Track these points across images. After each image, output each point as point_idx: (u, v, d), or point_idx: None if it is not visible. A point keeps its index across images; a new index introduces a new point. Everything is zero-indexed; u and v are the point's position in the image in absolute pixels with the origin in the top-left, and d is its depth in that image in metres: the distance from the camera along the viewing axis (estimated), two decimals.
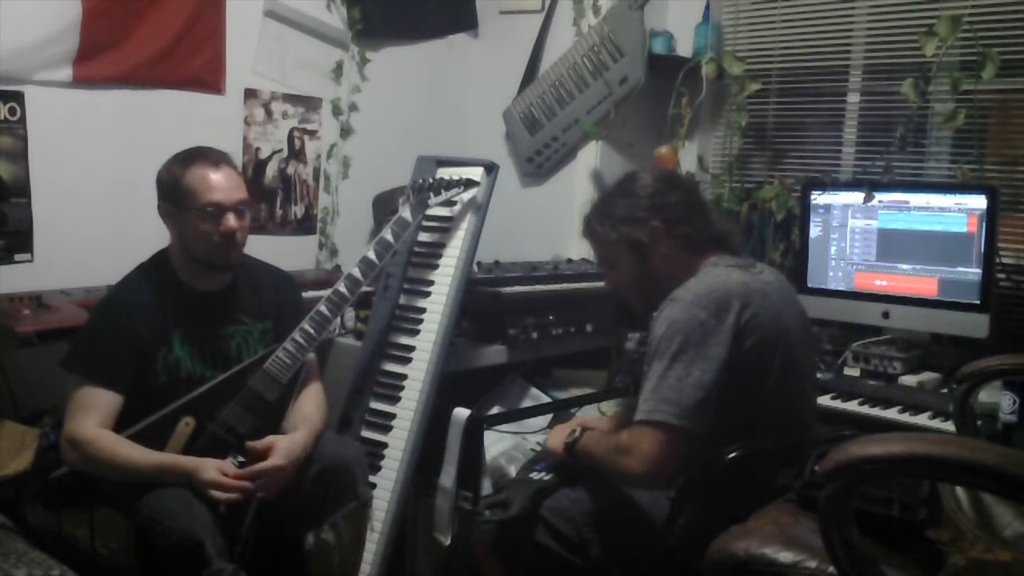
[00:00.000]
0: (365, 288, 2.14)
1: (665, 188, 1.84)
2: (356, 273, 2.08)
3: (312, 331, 2.00)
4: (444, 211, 2.32)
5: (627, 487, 1.80)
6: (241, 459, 1.91)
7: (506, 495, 1.87)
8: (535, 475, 2.00)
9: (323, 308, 2.02)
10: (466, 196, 2.29)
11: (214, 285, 2.03)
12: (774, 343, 1.68)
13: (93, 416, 1.86)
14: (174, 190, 1.94)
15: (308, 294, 2.35)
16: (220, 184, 1.94)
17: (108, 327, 1.92)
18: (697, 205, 1.87)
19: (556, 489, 1.87)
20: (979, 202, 2.32)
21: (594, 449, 1.77)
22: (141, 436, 1.87)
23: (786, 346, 1.71)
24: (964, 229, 2.35)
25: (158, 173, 1.99)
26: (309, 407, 2.04)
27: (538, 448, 2.67)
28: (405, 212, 2.16)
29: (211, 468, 1.81)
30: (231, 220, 1.94)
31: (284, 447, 1.89)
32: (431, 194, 2.19)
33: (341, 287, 2.06)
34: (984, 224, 2.31)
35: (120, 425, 1.91)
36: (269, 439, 1.89)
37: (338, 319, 2.30)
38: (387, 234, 2.13)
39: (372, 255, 2.10)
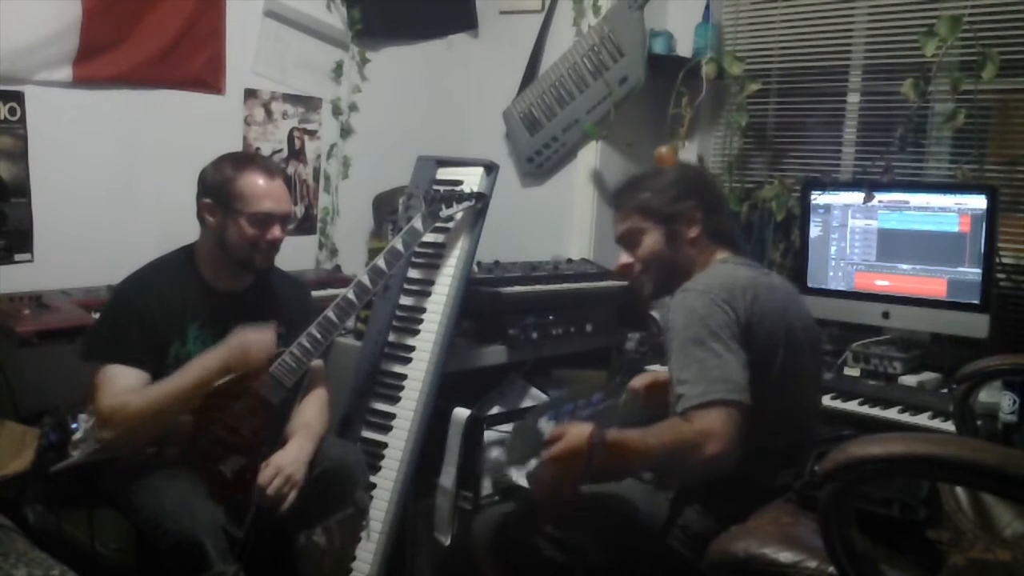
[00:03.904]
0: None
1: (702, 177, 1.94)
2: (365, 280, 2.08)
3: (319, 336, 2.00)
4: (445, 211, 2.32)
5: (691, 478, 1.71)
6: (242, 461, 1.91)
7: (509, 441, 1.74)
8: (543, 422, 1.82)
9: (331, 314, 2.03)
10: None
11: (234, 286, 2.04)
12: (778, 339, 1.68)
13: (116, 387, 1.85)
14: (223, 190, 1.96)
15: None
16: (273, 193, 1.97)
17: (127, 311, 1.93)
18: (724, 200, 1.93)
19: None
20: (977, 202, 2.33)
21: (637, 444, 1.54)
22: None
23: (789, 344, 1.71)
24: (956, 229, 2.36)
25: (203, 171, 2.01)
26: (310, 413, 2.04)
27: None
28: (417, 223, 2.16)
29: (253, 346, 1.86)
30: (277, 230, 1.98)
31: (286, 463, 1.90)
32: (443, 205, 2.19)
33: (350, 294, 2.06)
34: (978, 224, 2.32)
35: None
36: (273, 463, 1.89)
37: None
38: (397, 243, 2.13)
39: (382, 263, 2.10)
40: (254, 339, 1.89)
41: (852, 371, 2.44)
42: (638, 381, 2.03)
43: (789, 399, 1.72)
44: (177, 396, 1.84)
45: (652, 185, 1.86)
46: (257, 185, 1.95)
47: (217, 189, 1.97)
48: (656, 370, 2.10)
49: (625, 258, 1.89)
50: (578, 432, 1.55)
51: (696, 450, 1.50)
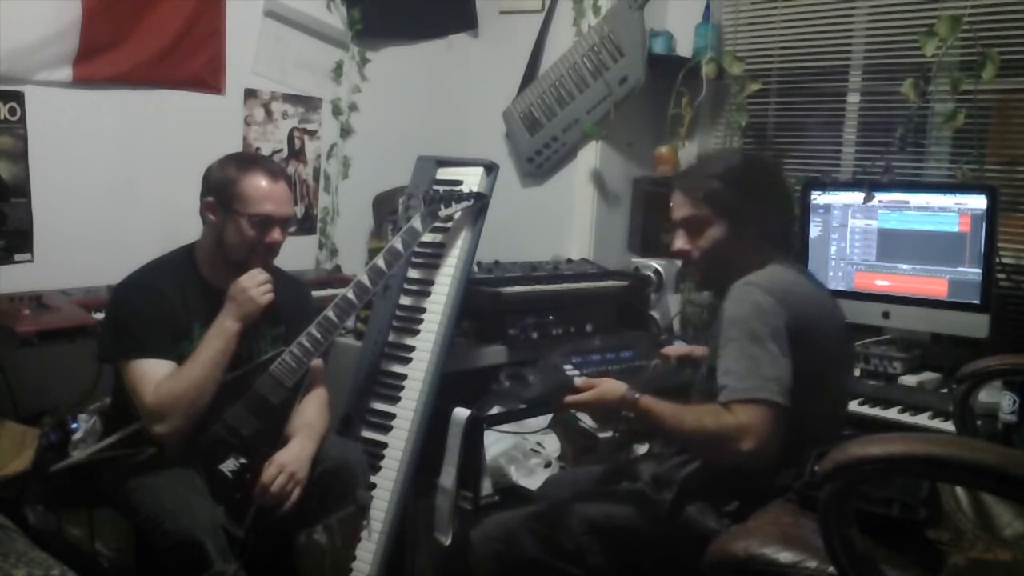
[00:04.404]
0: None
1: (775, 176, 1.86)
2: (365, 281, 2.08)
3: (319, 336, 2.00)
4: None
5: (729, 467, 1.64)
6: (243, 460, 1.91)
7: (532, 376, 1.75)
8: (568, 368, 1.83)
9: (331, 314, 2.02)
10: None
11: None
12: (817, 351, 1.66)
13: (154, 379, 1.85)
14: (225, 190, 1.96)
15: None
16: (275, 196, 1.97)
17: (134, 308, 1.92)
18: (791, 203, 1.86)
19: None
20: (977, 202, 2.33)
21: (669, 419, 1.61)
22: (138, 434, 1.88)
23: (827, 358, 1.70)
24: (956, 229, 2.36)
25: (208, 169, 2.01)
26: (311, 413, 2.04)
27: (539, 448, 2.68)
28: (416, 222, 2.16)
29: (244, 286, 1.91)
30: (277, 233, 1.98)
31: (289, 460, 1.90)
32: (442, 205, 2.20)
33: (350, 294, 2.06)
34: (978, 224, 2.32)
35: (119, 421, 1.92)
36: (276, 462, 1.90)
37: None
38: (397, 243, 2.13)
39: (381, 263, 2.10)
40: (247, 280, 1.92)
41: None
42: (673, 350, 2.02)
43: (817, 409, 1.69)
44: (213, 363, 1.87)
45: (724, 174, 1.78)
46: (259, 187, 1.95)
47: (220, 188, 1.97)
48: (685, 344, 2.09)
49: (682, 243, 1.83)
50: (612, 388, 1.66)
51: (733, 443, 1.51)
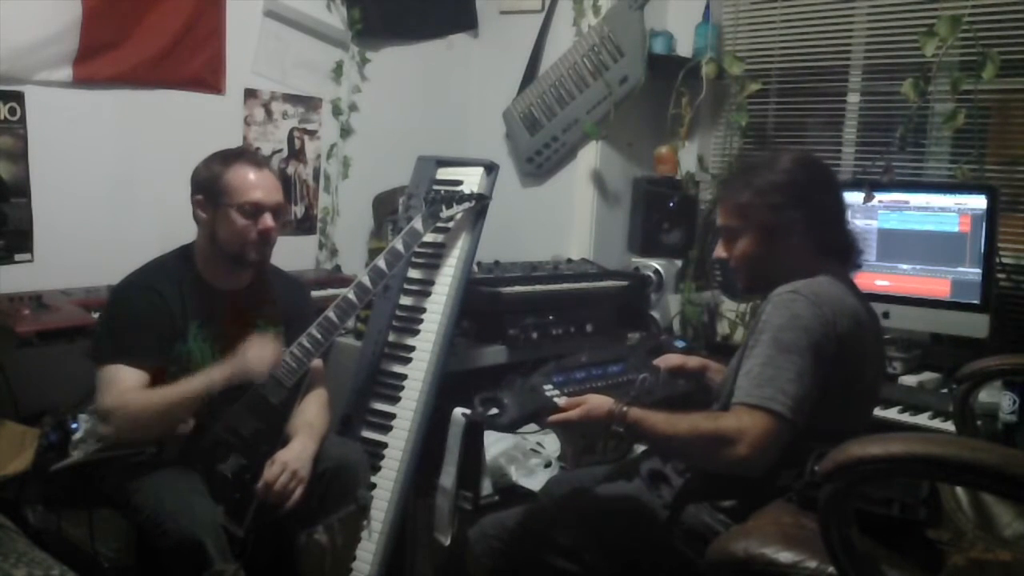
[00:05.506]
0: None
1: (820, 182, 1.76)
2: (366, 281, 2.08)
3: (319, 336, 2.00)
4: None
5: (718, 472, 1.63)
6: (243, 460, 1.91)
7: (507, 399, 1.69)
8: (548, 388, 1.77)
9: (331, 314, 2.03)
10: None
11: (233, 284, 2.05)
12: (856, 370, 1.65)
13: (119, 387, 1.86)
14: (213, 186, 1.97)
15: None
16: (261, 183, 1.98)
17: (127, 312, 1.93)
18: (842, 210, 1.77)
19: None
20: (977, 202, 2.33)
21: (663, 427, 1.57)
22: None
23: (864, 375, 1.68)
24: (956, 229, 2.36)
25: (195, 169, 2.02)
26: (311, 413, 2.04)
27: (539, 448, 2.68)
28: (417, 224, 2.16)
29: (254, 364, 1.88)
30: (268, 219, 1.98)
31: (291, 459, 1.90)
32: (443, 206, 2.20)
33: (350, 294, 2.06)
34: (978, 224, 2.32)
35: None
36: (278, 460, 1.90)
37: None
38: (398, 244, 2.13)
39: (382, 264, 2.10)
40: (254, 356, 1.89)
41: None
42: (664, 361, 1.97)
43: (846, 424, 1.67)
44: (179, 402, 1.86)
45: (758, 184, 1.71)
46: (246, 177, 1.96)
47: (207, 185, 1.98)
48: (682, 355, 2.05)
49: (720, 250, 1.81)
50: (598, 404, 1.61)
51: (728, 446, 1.50)
